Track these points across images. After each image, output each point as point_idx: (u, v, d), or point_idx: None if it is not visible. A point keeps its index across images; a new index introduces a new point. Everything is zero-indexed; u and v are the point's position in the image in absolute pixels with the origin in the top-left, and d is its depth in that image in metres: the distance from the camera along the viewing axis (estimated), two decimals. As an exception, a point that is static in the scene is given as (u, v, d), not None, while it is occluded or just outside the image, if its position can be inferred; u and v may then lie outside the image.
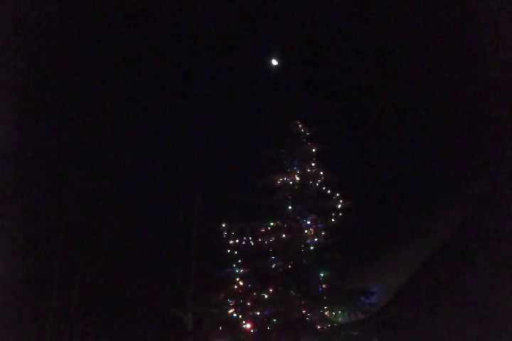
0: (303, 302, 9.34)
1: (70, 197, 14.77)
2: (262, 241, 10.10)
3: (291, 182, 10.45)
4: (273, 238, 10.02)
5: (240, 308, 9.50)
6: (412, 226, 12.68)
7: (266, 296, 9.43)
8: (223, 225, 10.19)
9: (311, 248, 9.90)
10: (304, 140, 10.82)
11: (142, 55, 16.02)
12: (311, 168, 10.53)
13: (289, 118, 11.13)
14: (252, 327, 9.26)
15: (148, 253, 15.82)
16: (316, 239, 10.00)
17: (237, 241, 10.16)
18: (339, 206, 10.18)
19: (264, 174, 10.63)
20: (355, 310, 9.36)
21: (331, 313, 9.55)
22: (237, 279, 9.74)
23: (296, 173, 10.52)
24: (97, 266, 15.00)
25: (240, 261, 9.99)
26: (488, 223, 10.58)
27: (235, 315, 9.46)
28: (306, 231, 10.04)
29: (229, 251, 10.14)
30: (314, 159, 10.62)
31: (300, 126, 10.93)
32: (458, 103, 12.98)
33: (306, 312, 9.26)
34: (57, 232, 14.66)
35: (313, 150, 10.67)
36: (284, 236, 9.94)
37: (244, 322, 9.35)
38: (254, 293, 9.56)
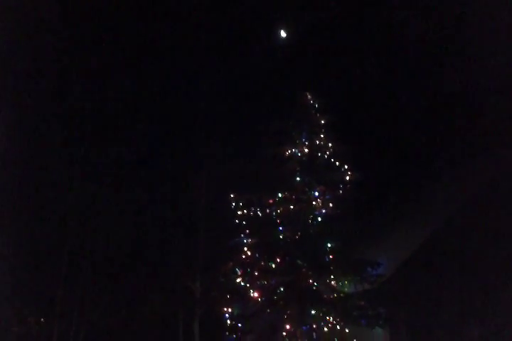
0: (310, 272, 9.43)
1: (79, 167, 14.91)
2: (270, 212, 10.16)
3: (299, 154, 10.44)
4: (281, 209, 10.07)
5: (248, 277, 9.62)
6: (419, 198, 12.72)
7: (273, 266, 9.54)
8: (232, 196, 10.24)
9: (319, 219, 9.95)
10: (313, 111, 10.76)
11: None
12: (320, 139, 10.50)
13: (298, 90, 11.08)
14: (259, 296, 9.41)
15: (158, 225, 15.99)
16: (323, 211, 10.04)
17: (245, 211, 10.23)
18: (347, 178, 10.18)
19: (272, 145, 10.62)
20: (361, 281, 9.47)
21: (337, 283, 9.66)
22: (245, 249, 9.84)
23: (305, 145, 10.50)
24: (108, 238, 15.22)
25: (248, 231, 10.07)
26: (498, 197, 10.56)
27: (242, 283, 9.59)
28: (314, 203, 10.07)
29: (237, 221, 10.22)
30: (323, 131, 10.57)
31: (309, 97, 10.86)
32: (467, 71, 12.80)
33: (313, 282, 9.37)
34: (66, 202, 14.86)
35: (322, 121, 10.62)
36: (292, 207, 9.99)
37: (251, 291, 9.49)
38: (262, 263, 9.66)
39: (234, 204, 10.25)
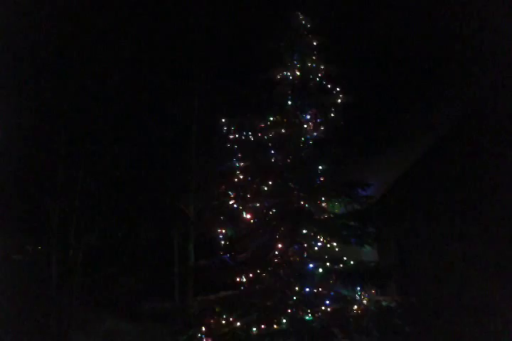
0: (301, 194, 9.61)
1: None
2: (262, 136, 10.17)
3: (291, 77, 10.29)
4: (272, 133, 10.08)
5: (241, 200, 9.79)
6: (411, 120, 12.73)
7: (265, 188, 9.69)
8: (223, 120, 10.21)
9: (310, 142, 10.00)
10: (305, 32, 10.49)
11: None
12: (312, 61, 10.31)
13: (289, 10, 10.72)
14: (252, 218, 9.63)
15: (149, 149, 16.02)
16: (315, 134, 10.07)
17: (236, 135, 10.24)
18: (339, 100, 10.12)
19: (263, 68, 10.44)
20: (351, 202, 9.69)
21: (328, 204, 9.88)
22: (238, 172, 9.93)
23: (297, 67, 10.32)
24: (101, 161, 15.31)
25: (240, 155, 10.12)
26: (489, 120, 10.54)
27: (235, 206, 9.77)
28: (305, 126, 10.06)
29: (229, 145, 10.25)
30: (315, 52, 10.37)
31: (301, 17, 10.54)
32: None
33: (304, 204, 9.57)
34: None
35: (314, 43, 10.38)
36: (283, 131, 9.99)
37: (244, 212, 9.70)
38: (254, 186, 9.81)
39: (225, 128, 10.24)
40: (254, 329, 8.61)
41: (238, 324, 8.74)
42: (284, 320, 8.59)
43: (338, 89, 10.23)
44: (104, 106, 15.22)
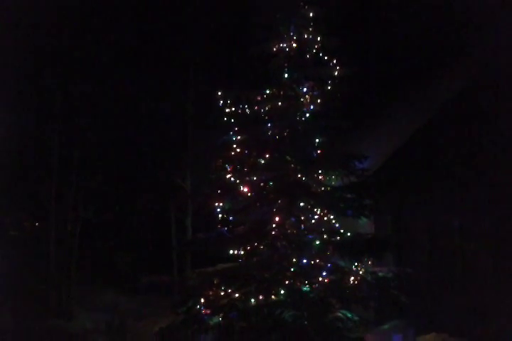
0: (298, 167, 9.62)
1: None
2: (258, 109, 10.11)
3: (287, 49, 10.17)
4: (269, 106, 10.02)
5: (238, 173, 9.79)
6: (409, 92, 12.67)
7: (262, 162, 9.69)
8: (219, 93, 10.14)
9: (307, 115, 9.96)
10: (302, 3, 10.33)
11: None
12: (309, 33, 10.16)
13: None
14: (249, 191, 9.64)
15: (145, 121, 15.97)
16: (312, 107, 9.99)
17: (233, 109, 10.19)
18: (336, 73, 10.04)
19: (260, 41, 10.33)
20: (348, 174, 9.71)
21: (325, 177, 9.91)
22: (234, 146, 9.92)
23: (293, 39, 10.19)
24: (97, 138, 15.27)
25: (236, 128, 10.09)
26: (490, 88, 10.44)
27: (232, 179, 9.77)
28: (302, 99, 9.99)
29: (225, 119, 10.21)
30: (312, 24, 10.24)
31: (297, -12, 10.37)
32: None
33: (301, 177, 9.59)
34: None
35: (311, 14, 10.24)
36: (280, 104, 9.93)
37: (241, 186, 9.72)
38: (251, 159, 9.80)
39: (222, 101, 10.18)
40: (253, 300, 8.71)
41: (237, 295, 8.84)
42: (282, 291, 8.69)
43: (335, 61, 10.14)
44: (98, 81, 15.12)
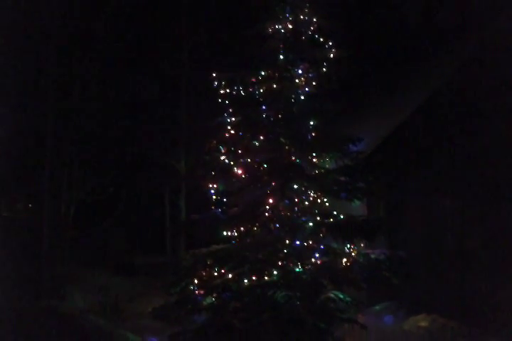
0: (292, 149, 9.62)
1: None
2: (253, 91, 10.07)
3: (282, 30, 10.09)
4: (264, 87, 9.98)
5: (232, 155, 9.80)
6: (404, 75, 12.64)
7: (256, 144, 9.69)
8: (213, 74, 10.08)
9: (302, 97, 9.93)
10: (297, -16, 10.23)
11: None
12: (304, 14, 10.09)
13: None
14: (243, 173, 9.66)
15: (139, 104, 15.90)
16: (306, 89, 9.97)
17: (227, 90, 10.14)
18: (331, 55, 9.99)
19: (254, 22, 10.23)
20: (342, 157, 9.73)
21: (319, 160, 9.92)
22: (229, 127, 9.89)
23: (289, 21, 10.11)
24: (90, 118, 15.19)
25: (230, 110, 10.06)
26: (487, 70, 10.37)
27: (226, 161, 9.78)
28: (297, 81, 9.96)
29: (220, 100, 10.17)
30: (307, 5, 10.15)
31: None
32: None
33: (295, 159, 9.60)
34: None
35: (307, -5, 10.16)
36: (274, 85, 9.89)
37: (235, 168, 9.73)
38: (245, 141, 9.79)
39: (216, 82, 10.13)
40: (246, 280, 8.78)
41: (230, 276, 8.90)
42: (275, 272, 8.76)
43: (330, 43, 10.08)
44: (91, 59, 14.99)
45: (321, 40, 10.09)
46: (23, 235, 15.58)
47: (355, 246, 9.41)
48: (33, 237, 15.22)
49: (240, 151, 9.80)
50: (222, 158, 9.80)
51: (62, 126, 14.98)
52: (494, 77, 10.22)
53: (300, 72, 9.99)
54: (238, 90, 10.10)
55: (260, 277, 8.78)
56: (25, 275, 14.39)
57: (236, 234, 9.65)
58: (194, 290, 9.13)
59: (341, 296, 8.49)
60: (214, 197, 9.84)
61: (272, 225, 9.41)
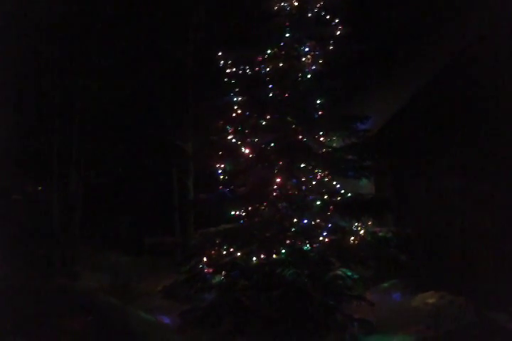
0: (299, 128, 9.63)
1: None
2: (259, 70, 10.05)
3: (288, 8, 10.02)
4: (270, 66, 9.95)
5: (239, 135, 9.82)
6: (412, 52, 12.49)
7: (263, 123, 9.69)
8: (219, 54, 10.05)
9: (309, 76, 9.89)
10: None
11: None
12: (310, -9, 10.00)
13: None
14: (250, 152, 9.69)
15: (146, 85, 15.85)
16: (313, 67, 9.93)
17: (234, 70, 10.12)
18: (338, 32, 9.92)
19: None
20: (349, 135, 9.74)
21: (326, 138, 9.93)
22: (236, 107, 9.89)
23: (294, -2, 10.02)
24: (98, 99, 15.18)
25: (237, 89, 10.04)
26: (495, 47, 10.23)
27: (234, 141, 9.80)
28: (303, 59, 9.92)
29: (226, 79, 10.14)
30: (313, -18, 10.03)
31: None
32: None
33: (303, 138, 9.61)
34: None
35: (313, -29, 10.02)
36: (281, 64, 9.85)
37: (243, 147, 9.75)
38: (252, 120, 9.80)
39: (222, 62, 10.10)
40: (254, 259, 8.88)
41: (238, 254, 9.00)
42: (283, 250, 8.84)
43: (337, 20, 10.00)
44: (98, 39, 14.93)
45: (327, 17, 10.01)
46: (34, 217, 15.74)
47: (362, 224, 9.48)
48: (44, 219, 15.37)
49: (247, 131, 9.83)
50: (230, 137, 9.83)
51: (70, 107, 14.99)
52: (500, 57, 10.09)
53: (307, 50, 9.95)
54: (244, 69, 10.09)
55: (268, 255, 8.88)
56: (37, 256, 14.57)
57: (244, 213, 9.72)
58: (203, 268, 9.25)
59: (349, 273, 8.57)
60: (222, 176, 9.89)
61: (279, 204, 9.47)
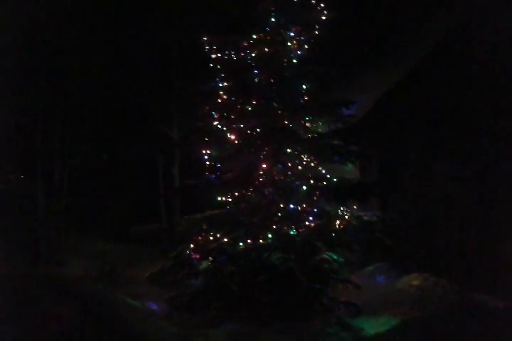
0: (285, 113, 9.61)
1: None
2: (245, 55, 9.99)
3: (273, -8, 9.94)
4: (256, 51, 9.89)
5: (225, 120, 9.78)
6: (396, 37, 12.51)
7: (249, 108, 9.65)
8: (204, 38, 9.97)
9: (294, 61, 9.86)
10: None
11: None
12: (295, -25, 9.92)
13: None
14: (236, 138, 9.67)
15: (130, 68, 15.69)
16: (299, 52, 9.90)
17: (219, 55, 10.05)
18: (323, 17, 9.88)
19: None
20: (335, 121, 9.76)
21: (312, 124, 9.94)
22: (221, 93, 9.84)
23: (280, -18, 9.93)
24: (86, 85, 15.03)
25: (223, 75, 9.98)
26: (481, 31, 10.22)
27: (219, 126, 9.77)
28: (289, 44, 9.87)
29: (211, 65, 10.08)
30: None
31: None
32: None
33: (288, 123, 9.60)
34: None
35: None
36: (266, 49, 9.80)
37: (228, 133, 9.72)
38: (238, 106, 9.76)
39: (207, 47, 10.02)
40: (241, 244, 8.91)
41: (225, 240, 9.02)
42: (270, 235, 8.88)
43: (322, 5, 9.95)
44: (82, 28, 14.74)
45: (313, 2, 9.95)
46: (18, 205, 15.59)
47: (348, 208, 9.55)
48: (29, 207, 15.24)
49: (232, 116, 9.79)
50: (215, 123, 9.79)
51: (54, 94, 14.82)
52: (486, 40, 10.12)
53: (292, 35, 9.90)
54: (230, 54, 10.02)
55: (255, 240, 8.92)
56: (23, 243, 14.48)
57: (230, 199, 9.73)
58: (190, 254, 9.25)
59: (335, 257, 8.65)
60: (208, 163, 9.87)
61: (265, 190, 9.49)
